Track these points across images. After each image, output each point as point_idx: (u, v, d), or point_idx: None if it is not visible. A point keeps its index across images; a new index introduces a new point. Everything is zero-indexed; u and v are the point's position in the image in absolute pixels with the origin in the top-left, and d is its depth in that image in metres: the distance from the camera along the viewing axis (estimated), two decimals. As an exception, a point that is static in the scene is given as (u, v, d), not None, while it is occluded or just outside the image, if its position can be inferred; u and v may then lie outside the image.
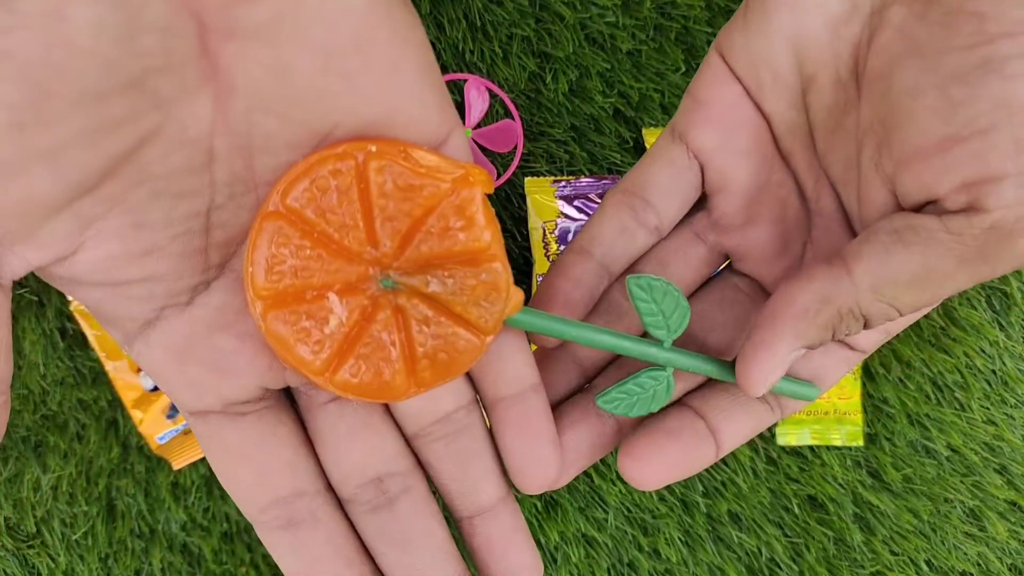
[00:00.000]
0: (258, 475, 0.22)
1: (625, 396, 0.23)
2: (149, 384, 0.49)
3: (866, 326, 0.22)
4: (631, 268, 0.26)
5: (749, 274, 0.27)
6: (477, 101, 0.46)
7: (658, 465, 0.23)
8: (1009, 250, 0.19)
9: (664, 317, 0.23)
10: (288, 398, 0.23)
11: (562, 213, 0.47)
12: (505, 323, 0.21)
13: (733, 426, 0.24)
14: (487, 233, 0.20)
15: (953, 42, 0.19)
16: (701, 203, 0.27)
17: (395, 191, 0.20)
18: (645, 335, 0.26)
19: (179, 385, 0.22)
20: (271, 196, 0.20)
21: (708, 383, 0.26)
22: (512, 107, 0.44)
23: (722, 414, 0.24)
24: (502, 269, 0.20)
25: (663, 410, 0.25)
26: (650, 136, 0.48)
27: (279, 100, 0.19)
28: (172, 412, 0.49)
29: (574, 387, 0.26)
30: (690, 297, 0.27)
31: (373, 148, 0.19)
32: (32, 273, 0.50)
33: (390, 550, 0.23)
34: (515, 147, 0.47)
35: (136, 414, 0.49)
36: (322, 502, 0.22)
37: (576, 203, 0.48)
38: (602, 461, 0.50)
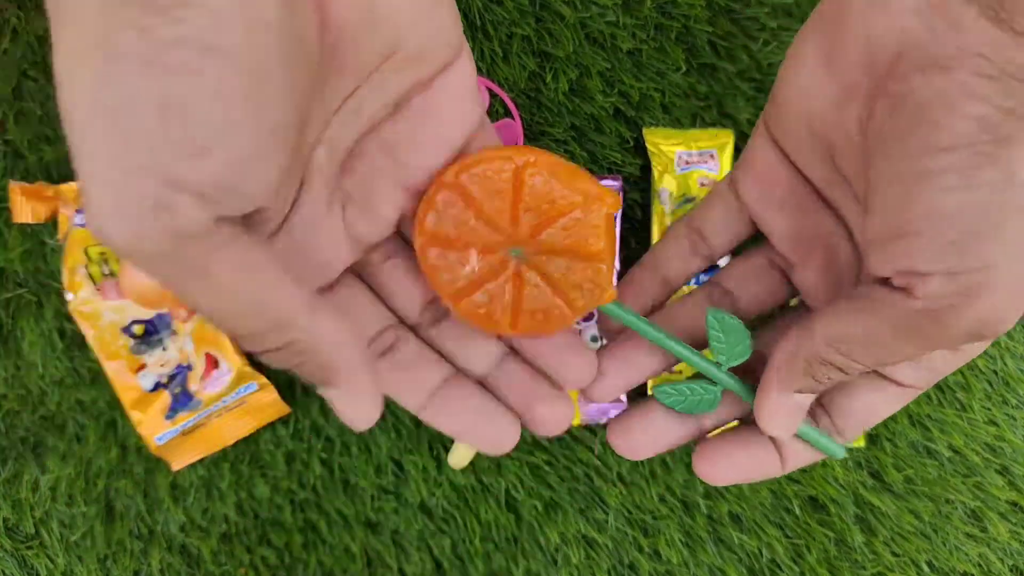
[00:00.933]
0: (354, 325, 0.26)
1: (677, 393, 0.28)
2: (148, 385, 0.49)
3: (849, 375, 0.25)
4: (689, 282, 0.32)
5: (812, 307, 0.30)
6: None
7: (725, 467, 0.28)
8: (941, 330, 0.22)
9: (728, 346, 0.28)
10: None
11: None
12: (598, 310, 0.27)
13: (797, 446, 0.28)
14: (602, 241, 0.26)
15: (908, 146, 0.22)
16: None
17: (540, 193, 0.26)
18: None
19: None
20: (451, 168, 0.26)
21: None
22: (512, 107, 0.43)
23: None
24: (606, 270, 0.26)
25: (740, 425, 0.29)
26: (650, 135, 0.48)
27: (360, 29, 0.22)
28: (171, 413, 0.49)
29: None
30: (765, 319, 0.31)
31: (532, 158, 0.26)
32: (31, 274, 0.49)
33: (456, 347, 0.29)
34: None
35: (135, 415, 0.48)
36: (401, 330, 0.28)
37: None
38: (602, 462, 0.50)
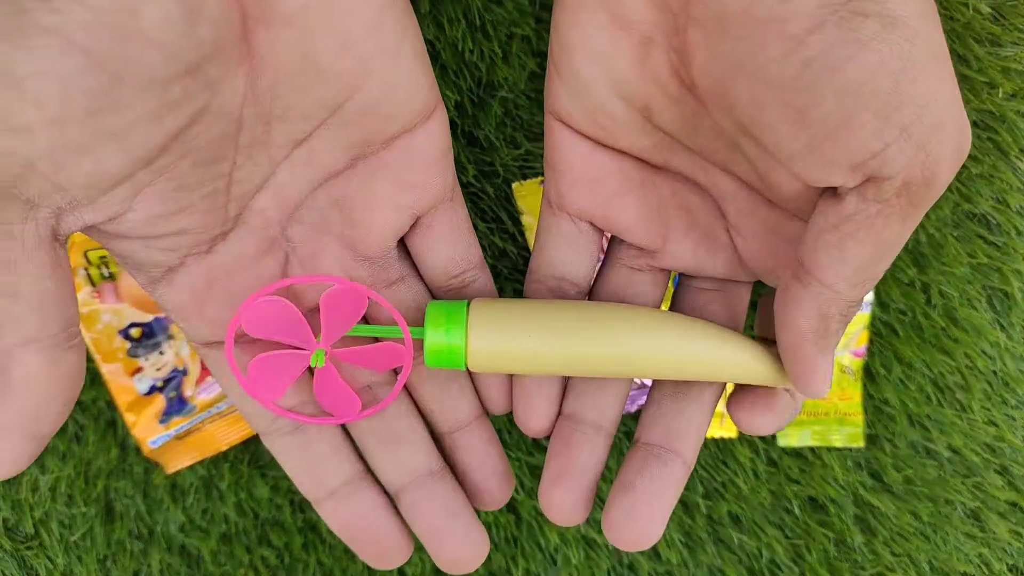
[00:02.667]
0: None
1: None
2: (143, 388, 0.49)
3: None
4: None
5: (697, 277, 0.28)
6: (342, 309, 0.28)
7: (764, 415, 0.26)
8: (932, 192, 0.21)
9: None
10: None
11: None
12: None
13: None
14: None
15: (768, 54, 0.20)
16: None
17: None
18: None
19: (197, 321, 0.25)
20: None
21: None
22: (398, 315, 0.27)
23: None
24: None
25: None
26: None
27: (301, 77, 0.22)
28: (165, 417, 0.49)
29: None
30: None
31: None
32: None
33: (379, 448, 0.27)
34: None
35: (129, 417, 0.48)
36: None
37: None
38: (602, 462, 0.50)
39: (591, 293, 0.29)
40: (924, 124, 0.20)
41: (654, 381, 0.28)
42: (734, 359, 0.25)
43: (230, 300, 0.25)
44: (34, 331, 0.21)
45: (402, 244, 0.28)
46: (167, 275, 0.24)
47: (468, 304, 0.25)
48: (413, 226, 0.27)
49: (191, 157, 0.22)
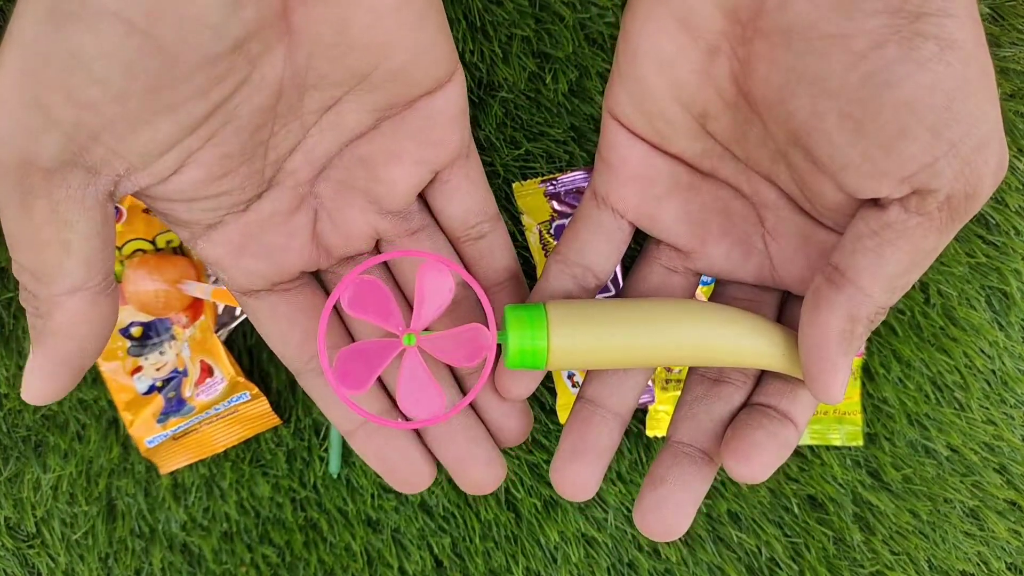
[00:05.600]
0: (304, 333, 0.28)
1: None
2: (142, 388, 0.49)
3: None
4: None
5: (729, 280, 0.29)
6: (435, 291, 0.27)
7: (762, 458, 0.26)
8: (972, 207, 0.22)
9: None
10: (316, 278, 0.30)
11: (555, 211, 0.47)
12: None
13: (799, 406, 0.27)
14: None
15: (831, 67, 0.21)
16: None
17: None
18: None
19: (235, 272, 0.27)
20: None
21: (759, 381, 0.28)
22: (485, 300, 0.27)
23: (785, 399, 0.27)
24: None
25: (739, 416, 0.28)
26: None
27: (334, 49, 0.24)
28: (163, 417, 0.49)
29: None
30: None
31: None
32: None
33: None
34: (483, 361, 0.27)
35: (127, 416, 0.49)
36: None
37: (568, 199, 0.48)
38: (602, 461, 0.50)
39: (625, 288, 0.30)
40: (971, 142, 0.20)
41: (685, 383, 0.29)
42: (777, 345, 0.26)
43: (265, 253, 0.27)
44: (80, 282, 0.23)
45: (421, 198, 0.30)
46: (207, 232, 0.26)
47: (545, 307, 0.26)
48: (432, 181, 0.29)
49: (234, 126, 0.24)
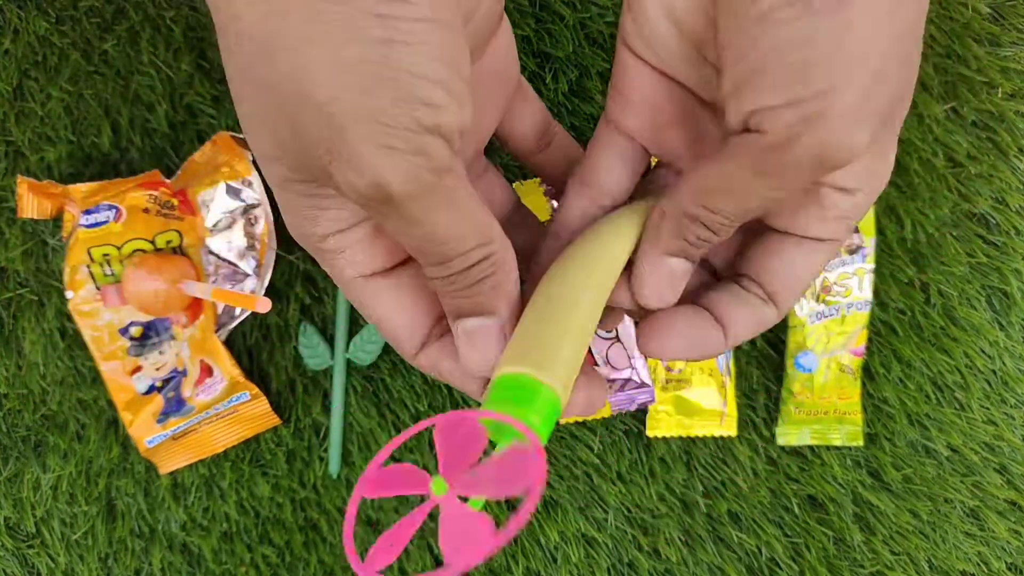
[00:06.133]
0: (428, 303, 0.28)
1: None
2: (142, 387, 0.49)
3: (718, 235, 0.25)
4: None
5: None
6: (462, 444, 0.25)
7: (668, 339, 0.27)
8: (788, 161, 0.22)
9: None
10: None
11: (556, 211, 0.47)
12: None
13: (736, 315, 0.28)
14: None
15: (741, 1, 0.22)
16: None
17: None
18: None
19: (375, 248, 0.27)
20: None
21: (713, 285, 0.29)
22: (525, 430, 0.25)
23: (725, 307, 0.28)
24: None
25: (675, 306, 0.28)
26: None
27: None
28: (162, 417, 0.49)
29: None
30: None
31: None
32: (32, 273, 0.49)
33: None
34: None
35: (126, 416, 0.49)
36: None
37: None
38: (602, 461, 0.50)
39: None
40: (815, 108, 0.21)
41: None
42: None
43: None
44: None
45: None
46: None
47: (530, 378, 0.24)
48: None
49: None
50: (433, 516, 0.25)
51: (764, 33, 0.21)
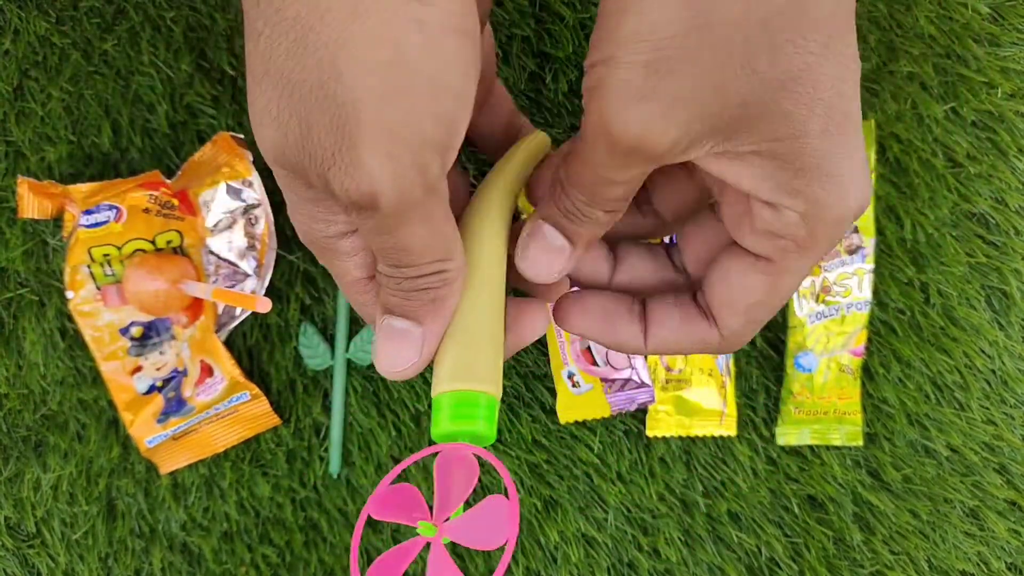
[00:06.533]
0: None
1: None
2: (142, 387, 0.49)
3: (583, 212, 0.25)
4: None
5: None
6: (457, 480, 0.27)
7: (584, 317, 0.28)
8: (587, 131, 0.23)
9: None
10: None
11: None
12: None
13: (662, 316, 0.28)
14: None
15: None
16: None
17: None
18: None
19: None
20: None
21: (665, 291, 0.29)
22: (509, 482, 0.26)
23: (656, 305, 0.28)
24: None
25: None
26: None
27: None
28: (163, 417, 0.49)
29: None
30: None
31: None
32: (32, 273, 0.49)
33: None
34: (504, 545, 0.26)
35: (127, 416, 0.49)
36: None
37: None
38: (602, 461, 0.50)
39: None
40: (597, 73, 0.21)
41: None
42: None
43: None
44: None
45: None
46: None
47: (477, 392, 0.27)
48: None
49: None
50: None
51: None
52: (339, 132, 0.20)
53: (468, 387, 0.26)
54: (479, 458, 0.26)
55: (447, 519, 0.26)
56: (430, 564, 0.26)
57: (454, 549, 0.30)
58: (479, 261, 0.27)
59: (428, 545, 0.26)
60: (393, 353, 0.25)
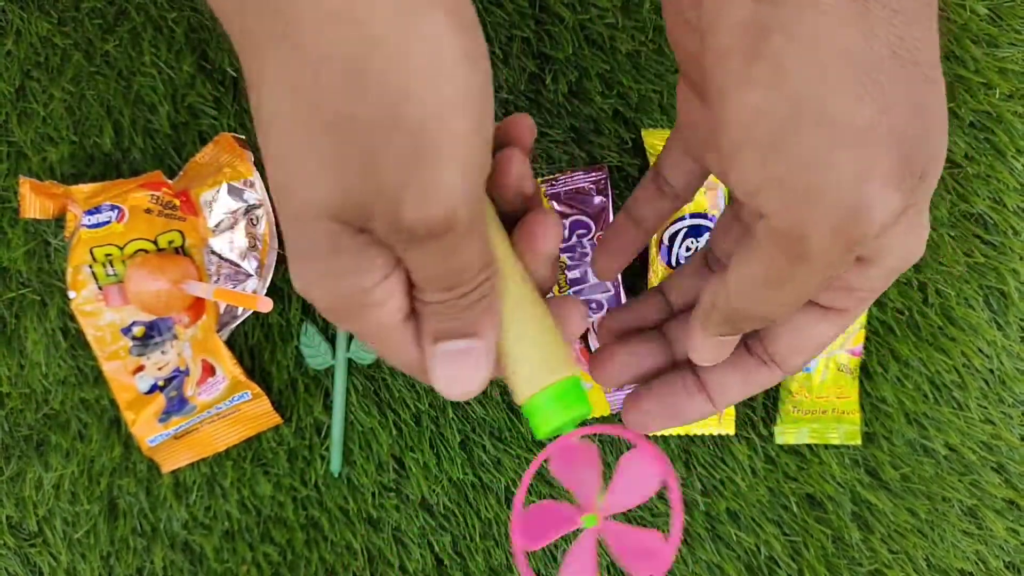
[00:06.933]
0: None
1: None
2: (144, 387, 0.49)
3: (771, 318, 0.24)
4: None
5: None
6: (639, 481, 0.27)
7: (656, 414, 0.28)
8: (804, 245, 0.20)
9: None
10: None
11: (556, 212, 0.48)
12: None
13: (721, 377, 0.27)
14: None
15: (708, 57, 0.21)
16: None
17: None
18: None
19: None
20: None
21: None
22: (626, 434, 0.27)
23: (711, 371, 0.28)
24: None
25: (662, 375, 0.29)
26: (649, 137, 0.49)
27: None
28: (164, 416, 0.49)
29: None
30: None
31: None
32: (34, 273, 0.49)
33: None
34: None
35: (128, 415, 0.49)
36: None
37: (569, 199, 0.48)
38: (602, 460, 0.51)
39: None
40: (800, 183, 0.20)
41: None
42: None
43: None
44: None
45: None
46: None
47: (567, 380, 0.26)
48: None
49: None
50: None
51: (727, 103, 0.20)
52: (413, 156, 0.19)
53: (554, 379, 0.25)
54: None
55: (600, 505, 0.26)
56: (615, 549, 0.26)
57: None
58: (497, 256, 0.26)
59: (577, 532, 0.26)
60: (462, 375, 0.24)
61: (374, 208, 0.20)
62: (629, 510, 0.26)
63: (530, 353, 0.25)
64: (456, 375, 0.24)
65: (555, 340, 0.26)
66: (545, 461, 0.26)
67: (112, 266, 0.48)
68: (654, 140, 0.49)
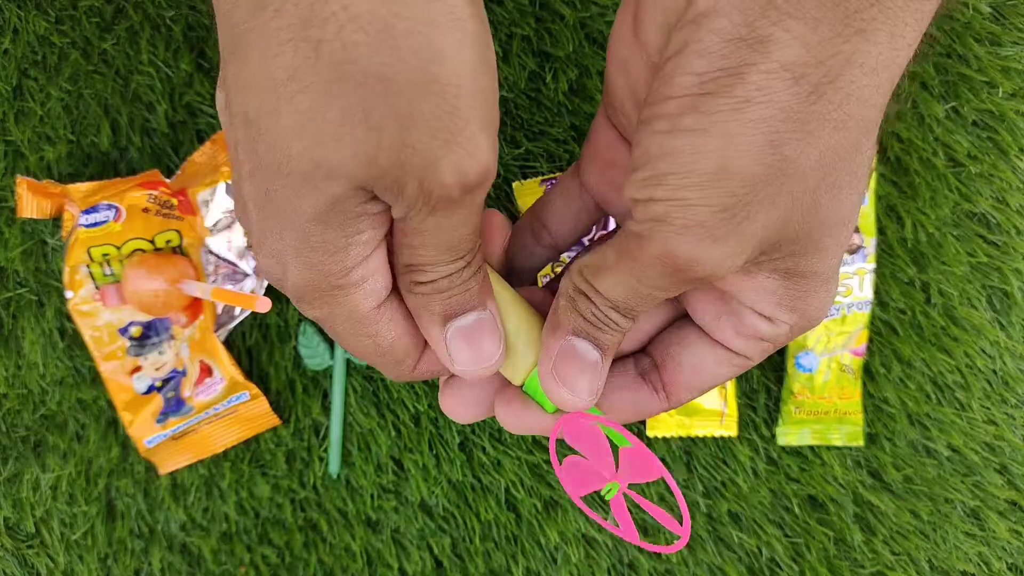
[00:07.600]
0: None
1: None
2: (142, 387, 0.49)
3: (609, 318, 0.24)
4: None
5: None
6: (640, 474, 0.31)
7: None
8: (641, 256, 0.22)
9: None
10: None
11: None
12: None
13: (610, 394, 0.27)
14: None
15: (652, 94, 0.22)
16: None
17: None
18: None
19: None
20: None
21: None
22: (683, 505, 0.29)
23: (605, 391, 0.27)
24: None
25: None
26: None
27: None
28: (162, 417, 0.49)
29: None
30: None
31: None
32: (31, 273, 0.49)
33: None
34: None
35: (126, 416, 0.49)
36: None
37: None
38: (602, 461, 0.50)
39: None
40: (663, 210, 0.21)
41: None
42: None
43: None
44: None
45: None
46: None
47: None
48: None
49: None
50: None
51: (645, 136, 0.21)
52: (450, 116, 0.19)
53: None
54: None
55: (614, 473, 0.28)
56: (614, 506, 0.30)
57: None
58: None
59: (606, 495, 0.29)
60: (483, 349, 0.24)
61: (407, 170, 0.20)
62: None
63: (519, 330, 0.26)
64: (476, 352, 0.24)
65: (535, 315, 0.27)
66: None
67: (109, 266, 0.48)
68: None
